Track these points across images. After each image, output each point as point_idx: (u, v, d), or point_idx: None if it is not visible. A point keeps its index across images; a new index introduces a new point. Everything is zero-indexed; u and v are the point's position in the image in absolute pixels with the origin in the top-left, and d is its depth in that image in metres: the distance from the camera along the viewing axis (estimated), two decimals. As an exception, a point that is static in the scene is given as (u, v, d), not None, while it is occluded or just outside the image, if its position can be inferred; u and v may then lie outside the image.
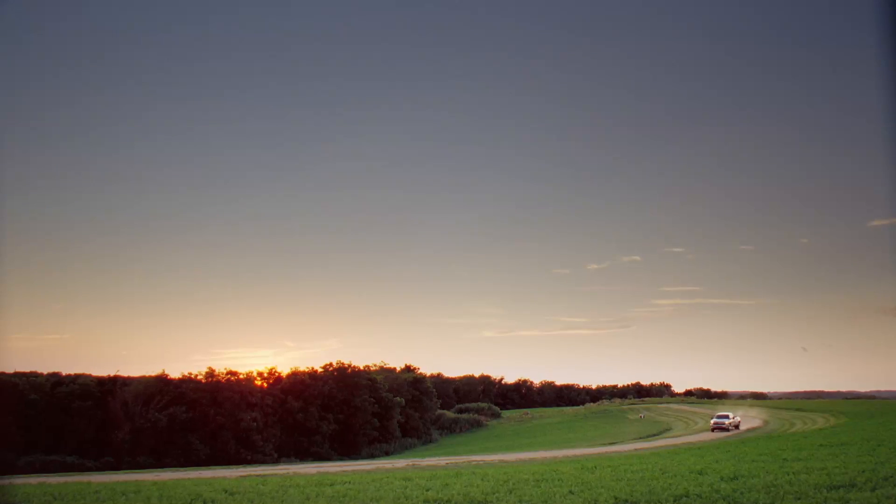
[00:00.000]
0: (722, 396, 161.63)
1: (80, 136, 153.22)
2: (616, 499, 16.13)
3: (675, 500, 15.84)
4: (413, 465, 39.97)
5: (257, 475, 30.76)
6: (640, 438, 73.42)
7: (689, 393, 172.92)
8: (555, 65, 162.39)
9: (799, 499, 15.55)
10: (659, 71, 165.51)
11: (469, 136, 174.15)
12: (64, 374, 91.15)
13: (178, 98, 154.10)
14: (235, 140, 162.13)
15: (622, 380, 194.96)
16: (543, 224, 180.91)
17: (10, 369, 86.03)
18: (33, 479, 32.42)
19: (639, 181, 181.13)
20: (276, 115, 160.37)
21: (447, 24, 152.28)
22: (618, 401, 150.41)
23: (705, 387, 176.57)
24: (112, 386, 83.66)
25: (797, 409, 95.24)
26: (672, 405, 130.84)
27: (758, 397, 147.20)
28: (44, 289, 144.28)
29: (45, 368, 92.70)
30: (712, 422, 74.42)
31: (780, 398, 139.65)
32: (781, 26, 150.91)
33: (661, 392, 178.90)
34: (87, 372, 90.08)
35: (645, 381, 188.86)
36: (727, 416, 75.09)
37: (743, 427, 74.16)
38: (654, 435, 78.23)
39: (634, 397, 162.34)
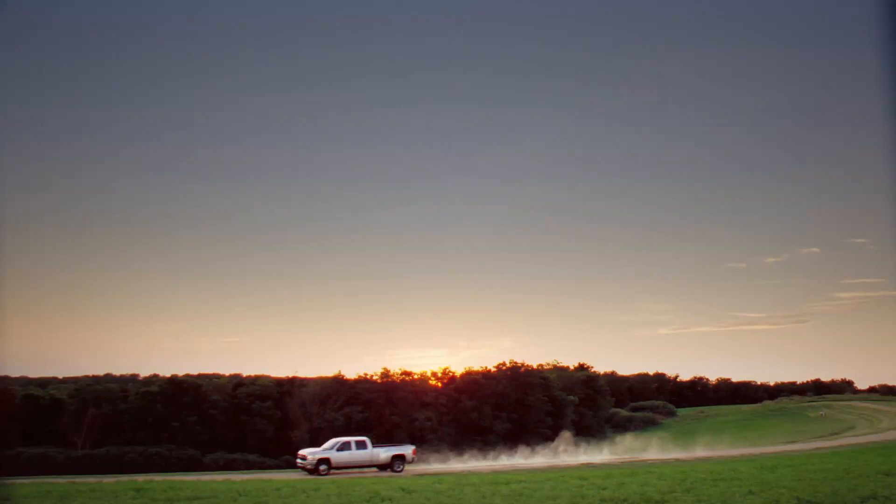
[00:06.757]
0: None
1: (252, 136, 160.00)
2: (798, 499, 15.81)
3: (861, 502, 15.36)
4: (587, 463, 40.01)
5: (432, 474, 31.59)
6: (821, 437, 70.70)
7: (872, 390, 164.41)
8: (723, 61, 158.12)
9: None
10: (842, 61, 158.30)
11: (640, 132, 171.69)
12: (245, 375, 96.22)
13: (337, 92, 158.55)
14: (402, 144, 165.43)
15: (801, 376, 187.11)
16: (717, 217, 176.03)
17: (195, 371, 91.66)
18: (219, 476, 34.57)
19: (817, 170, 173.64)
20: (453, 110, 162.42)
21: (624, 29, 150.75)
22: (796, 398, 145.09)
23: (891, 384, 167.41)
24: (290, 386, 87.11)
25: None
26: (854, 402, 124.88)
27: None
28: (227, 294, 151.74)
29: (227, 370, 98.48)
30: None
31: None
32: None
33: (842, 389, 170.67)
34: (267, 373, 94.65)
35: (825, 378, 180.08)
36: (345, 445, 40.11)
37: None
38: (836, 434, 75.08)
39: (814, 394, 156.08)
